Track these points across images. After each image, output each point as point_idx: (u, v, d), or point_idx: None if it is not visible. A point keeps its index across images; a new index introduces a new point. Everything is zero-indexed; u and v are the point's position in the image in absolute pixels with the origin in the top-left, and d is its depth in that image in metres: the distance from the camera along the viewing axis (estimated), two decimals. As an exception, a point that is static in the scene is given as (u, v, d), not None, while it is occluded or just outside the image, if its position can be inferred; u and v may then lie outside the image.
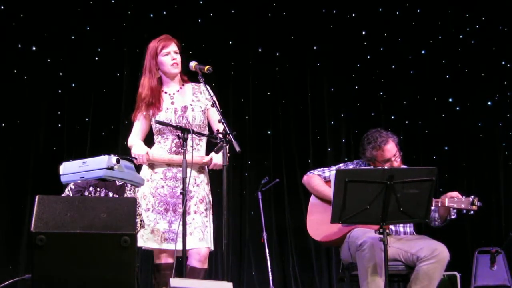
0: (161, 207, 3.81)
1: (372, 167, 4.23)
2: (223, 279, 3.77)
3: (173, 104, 3.92)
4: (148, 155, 3.82)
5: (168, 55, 3.92)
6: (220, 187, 3.69)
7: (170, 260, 3.82)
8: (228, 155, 3.83)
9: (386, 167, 4.05)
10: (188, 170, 3.77)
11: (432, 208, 4.12)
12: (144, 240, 3.77)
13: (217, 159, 3.82)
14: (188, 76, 4.06)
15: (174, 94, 3.96)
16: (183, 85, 4.01)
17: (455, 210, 4.11)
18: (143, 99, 3.91)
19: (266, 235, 5.47)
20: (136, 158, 3.81)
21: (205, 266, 3.84)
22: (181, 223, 3.63)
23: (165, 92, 3.96)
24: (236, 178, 6.39)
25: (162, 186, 3.84)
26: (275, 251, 6.31)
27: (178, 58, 3.95)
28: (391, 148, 4.14)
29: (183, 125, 3.83)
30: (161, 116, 3.88)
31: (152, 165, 3.90)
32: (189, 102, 3.94)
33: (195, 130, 3.85)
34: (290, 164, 6.58)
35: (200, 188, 3.88)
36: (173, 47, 3.95)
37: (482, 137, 6.76)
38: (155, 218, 3.79)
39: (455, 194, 4.02)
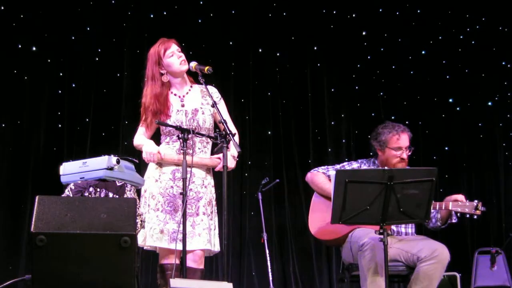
0: (170, 207, 3.80)
1: (374, 167, 4.24)
2: (223, 279, 3.77)
3: (184, 107, 3.90)
4: (160, 154, 3.82)
5: (174, 55, 3.90)
6: (220, 188, 3.69)
7: (176, 261, 3.82)
8: (237, 159, 3.85)
9: (386, 168, 4.05)
10: (196, 171, 3.80)
11: (434, 209, 4.14)
12: (154, 240, 3.76)
13: (226, 161, 3.81)
14: (192, 77, 4.05)
15: (184, 96, 3.95)
16: (191, 86, 4.01)
17: (457, 214, 4.12)
18: (148, 108, 3.87)
19: (266, 235, 5.47)
20: (136, 161, 3.81)
21: (201, 266, 3.84)
22: (184, 223, 3.66)
23: (174, 94, 3.94)
24: (236, 178, 6.39)
25: (171, 187, 3.83)
26: (275, 251, 6.31)
27: (183, 55, 3.94)
28: (405, 139, 4.19)
29: (194, 127, 3.82)
30: (172, 119, 3.85)
31: (160, 165, 3.89)
32: (199, 105, 3.93)
33: (205, 133, 3.85)
34: (291, 164, 6.59)
35: (207, 190, 3.89)
36: (174, 47, 3.93)
37: (482, 137, 6.77)
38: (165, 218, 3.78)
39: (460, 197, 4.03)
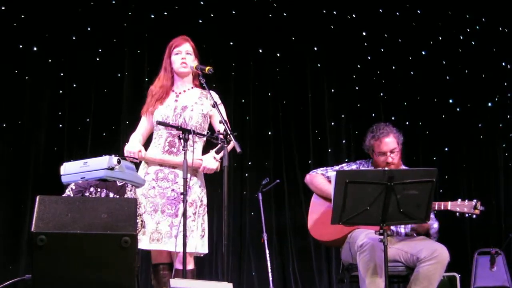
0: (150, 207, 3.82)
1: (373, 167, 4.25)
2: (223, 279, 3.77)
3: (176, 102, 3.95)
4: (140, 152, 3.83)
5: (179, 54, 3.97)
6: (220, 188, 3.70)
7: (167, 261, 3.83)
8: (220, 160, 3.87)
9: (386, 168, 4.06)
10: (179, 171, 3.82)
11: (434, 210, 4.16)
12: None
13: (208, 162, 3.82)
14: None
15: (180, 93, 4.00)
16: (192, 87, 4.04)
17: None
18: (154, 95, 3.96)
19: (266, 235, 5.47)
20: (136, 161, 3.82)
21: (190, 267, 3.82)
22: (171, 224, 3.70)
23: (172, 91, 4.00)
24: (236, 178, 6.39)
25: (153, 187, 3.85)
26: (275, 252, 6.32)
27: (189, 58, 3.97)
28: (389, 142, 4.16)
29: (179, 123, 3.87)
30: (160, 111, 3.91)
31: (147, 166, 3.92)
32: (191, 104, 3.96)
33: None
34: (291, 164, 6.59)
35: (191, 191, 3.86)
36: (185, 47, 3.99)
37: (482, 138, 6.77)
38: (146, 219, 3.80)
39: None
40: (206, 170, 3.85)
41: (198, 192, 3.91)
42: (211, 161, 3.80)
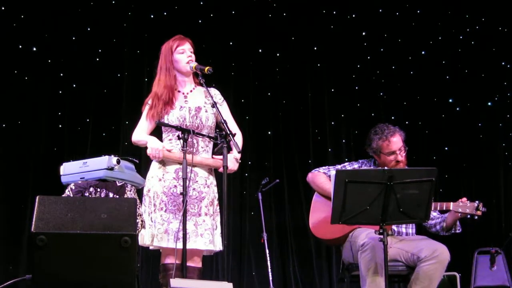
0: (174, 206, 3.80)
1: (374, 167, 4.25)
2: (223, 279, 3.78)
3: (187, 103, 3.94)
4: (166, 149, 3.82)
5: (184, 53, 3.95)
6: (220, 188, 3.70)
7: (178, 261, 3.83)
8: (240, 161, 3.87)
9: (386, 168, 4.06)
10: (198, 170, 3.83)
11: (440, 215, 4.16)
12: (158, 240, 3.76)
13: (229, 163, 3.82)
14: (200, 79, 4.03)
15: (187, 93, 3.98)
16: (195, 87, 4.03)
17: (460, 225, 4.14)
18: (160, 97, 3.90)
19: (266, 235, 5.47)
20: (136, 161, 3.81)
21: (200, 265, 3.86)
22: (184, 222, 3.67)
23: (178, 91, 3.97)
24: (236, 178, 6.39)
25: (175, 186, 3.83)
26: (275, 251, 6.31)
27: (193, 56, 3.97)
28: (397, 141, 4.19)
29: (196, 125, 3.86)
30: (175, 114, 3.87)
31: (163, 164, 3.89)
32: (202, 104, 3.96)
33: (207, 131, 3.88)
34: (290, 164, 6.59)
35: (210, 189, 3.90)
36: (187, 46, 3.99)
37: (482, 137, 6.77)
38: (169, 218, 3.78)
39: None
40: (229, 171, 3.85)
41: (215, 191, 3.95)
42: (232, 162, 3.83)
